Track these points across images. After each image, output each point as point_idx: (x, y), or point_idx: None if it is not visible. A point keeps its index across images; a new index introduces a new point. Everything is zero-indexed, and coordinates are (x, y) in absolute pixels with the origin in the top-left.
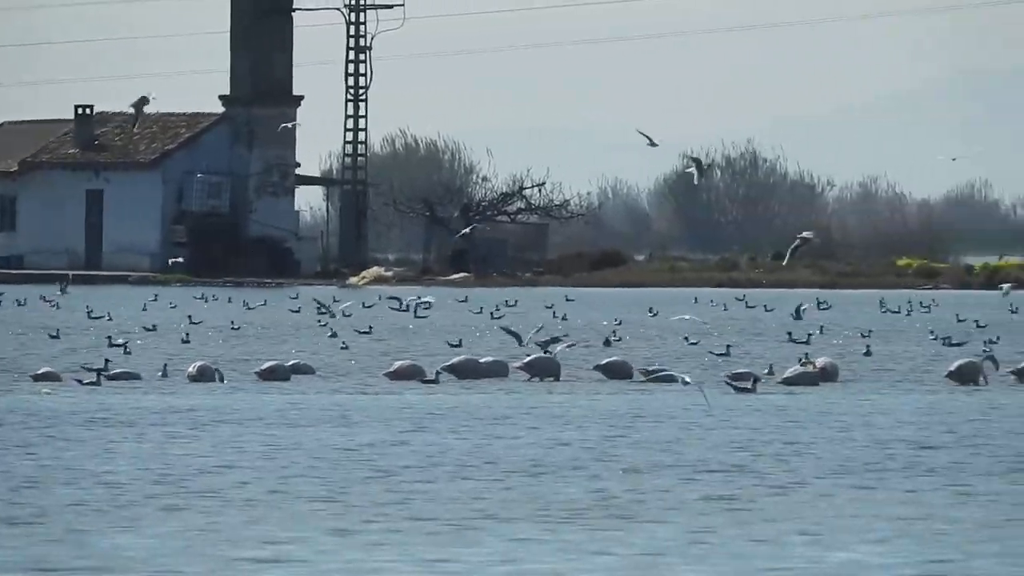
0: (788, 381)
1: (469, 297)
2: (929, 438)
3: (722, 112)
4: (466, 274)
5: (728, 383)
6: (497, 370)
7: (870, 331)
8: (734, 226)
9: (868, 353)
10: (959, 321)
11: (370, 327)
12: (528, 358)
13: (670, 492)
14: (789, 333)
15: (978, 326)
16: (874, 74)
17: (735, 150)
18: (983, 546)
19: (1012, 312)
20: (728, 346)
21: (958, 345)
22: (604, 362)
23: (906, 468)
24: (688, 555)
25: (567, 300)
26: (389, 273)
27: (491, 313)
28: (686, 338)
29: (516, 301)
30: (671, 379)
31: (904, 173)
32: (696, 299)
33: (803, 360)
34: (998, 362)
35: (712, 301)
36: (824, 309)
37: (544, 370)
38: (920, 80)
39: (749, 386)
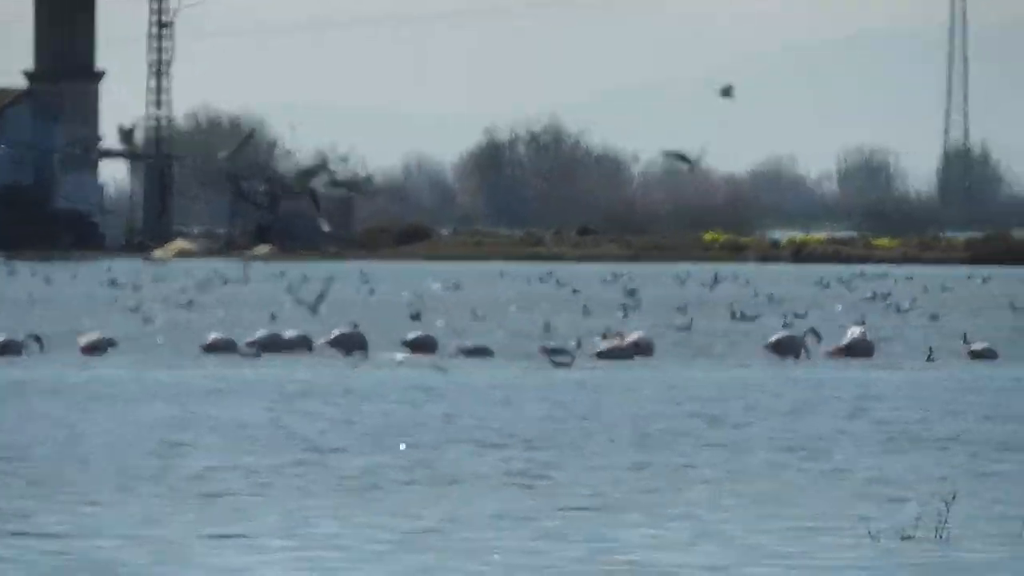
0: (603, 355)
1: (279, 271)
2: (727, 414)
3: (527, 87)
4: (270, 247)
5: (547, 357)
6: (302, 344)
7: (686, 305)
8: (540, 200)
9: (686, 328)
10: (756, 296)
11: (190, 301)
12: (335, 333)
13: (461, 464)
14: (618, 305)
15: (771, 300)
16: (681, 50)
17: (539, 124)
18: (745, 521)
19: (824, 287)
20: (547, 322)
21: (752, 319)
22: (411, 337)
23: (697, 441)
24: (476, 525)
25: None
26: (194, 246)
27: (288, 286)
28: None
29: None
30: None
31: (711, 147)
32: (503, 273)
33: (607, 335)
34: (820, 336)
35: (528, 279)
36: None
37: (351, 345)
38: (728, 56)
39: (567, 360)
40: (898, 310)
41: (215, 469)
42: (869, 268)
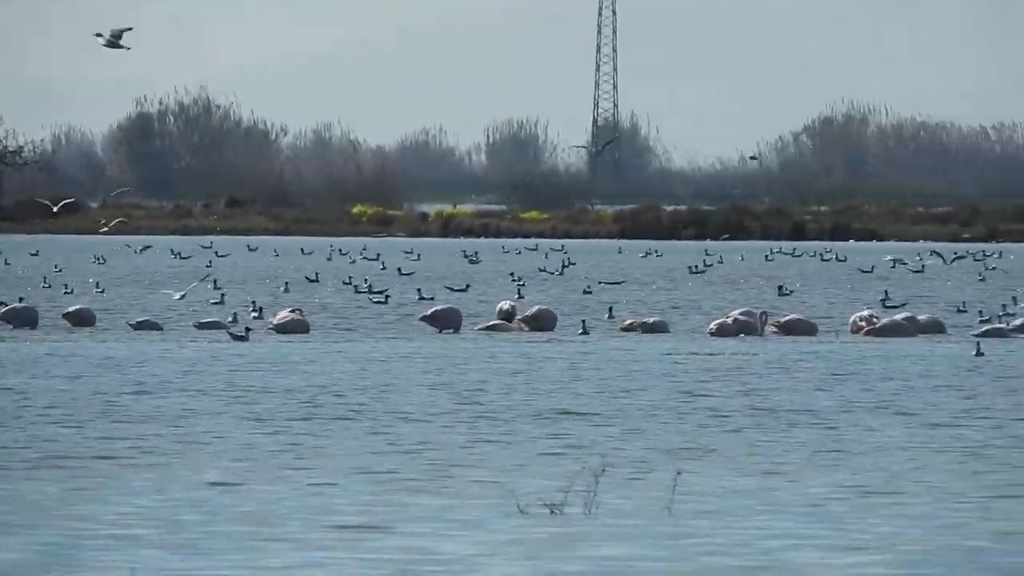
0: (279, 328)
1: None
2: (336, 383)
3: (179, 59)
4: None
5: (227, 332)
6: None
7: (351, 277)
8: (188, 172)
9: (384, 302)
10: (382, 267)
11: None
12: (71, 309)
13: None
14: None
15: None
16: (328, 22)
17: (188, 96)
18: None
19: (472, 263)
20: (223, 294)
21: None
22: (71, 309)
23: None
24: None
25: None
26: None
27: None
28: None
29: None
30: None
31: (359, 120)
32: (149, 246)
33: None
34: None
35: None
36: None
37: (82, 321)
38: (374, 28)
39: (243, 334)
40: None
41: None
42: (519, 241)
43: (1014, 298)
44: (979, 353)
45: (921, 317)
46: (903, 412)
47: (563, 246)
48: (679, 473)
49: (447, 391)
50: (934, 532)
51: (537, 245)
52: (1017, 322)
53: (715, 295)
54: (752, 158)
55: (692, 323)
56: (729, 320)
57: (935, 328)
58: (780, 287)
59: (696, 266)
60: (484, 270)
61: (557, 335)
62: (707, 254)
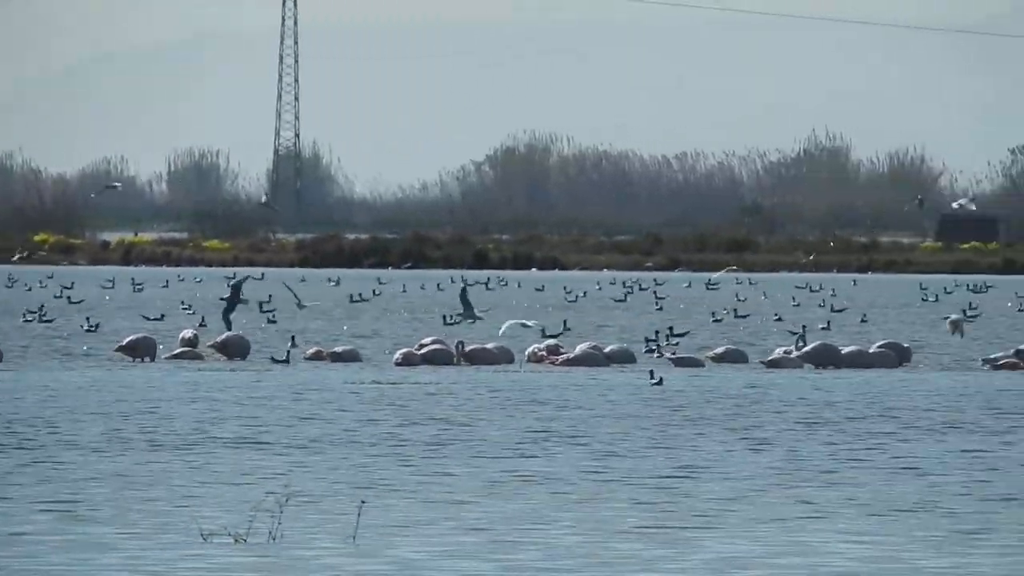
0: None
1: None
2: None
3: None
4: None
5: None
6: None
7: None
8: None
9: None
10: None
11: None
12: None
13: None
14: None
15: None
16: (9, 53)
17: None
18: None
19: (139, 291)
20: None
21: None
22: None
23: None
24: None
25: None
26: None
27: None
28: None
29: None
30: None
31: (40, 149)
32: None
33: None
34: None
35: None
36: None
37: None
38: (54, 58)
39: None
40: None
41: None
42: (205, 270)
43: (671, 328)
44: (657, 382)
45: (610, 347)
46: (580, 439)
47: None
48: (363, 502)
49: (132, 420)
50: (583, 562)
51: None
52: (719, 350)
53: (398, 323)
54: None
55: (379, 351)
56: (418, 350)
57: (624, 358)
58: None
59: (360, 295)
60: (159, 295)
61: (248, 363)
62: (380, 282)
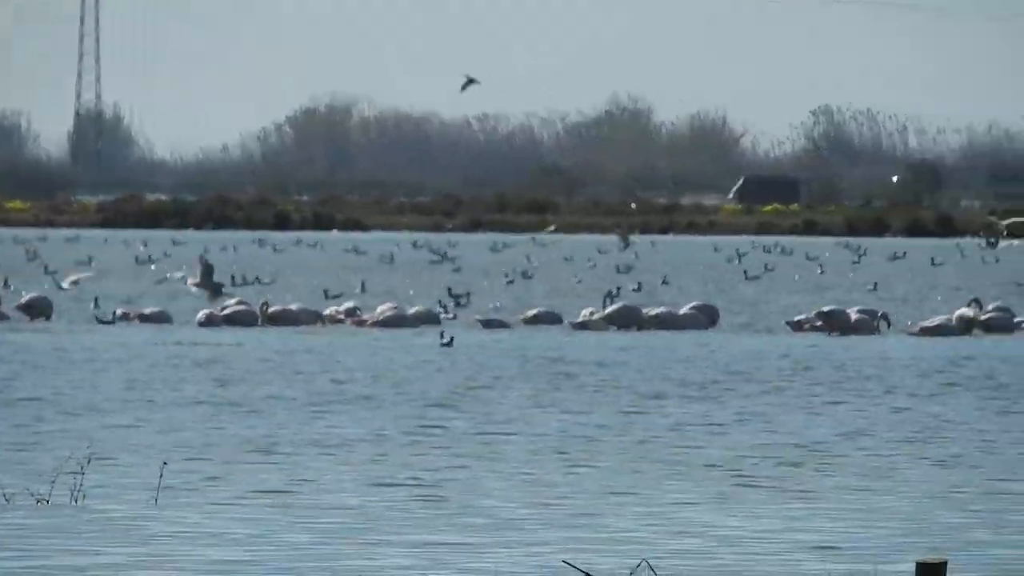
0: None
1: None
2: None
3: None
4: None
5: None
6: None
7: None
8: None
9: None
10: None
11: None
12: None
13: None
14: None
15: None
16: None
17: None
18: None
19: None
20: None
21: None
22: None
23: None
24: None
25: None
26: None
27: None
28: None
29: None
30: None
31: None
32: None
33: None
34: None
35: None
36: None
37: None
38: None
39: None
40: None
41: None
42: (4, 231)
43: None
44: (447, 343)
45: (413, 309)
46: (365, 399)
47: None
48: (165, 464)
49: None
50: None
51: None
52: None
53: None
54: None
55: (185, 313)
56: (220, 311)
57: (429, 319)
58: (257, 277)
59: (150, 256)
60: None
61: (51, 324)
62: (174, 244)
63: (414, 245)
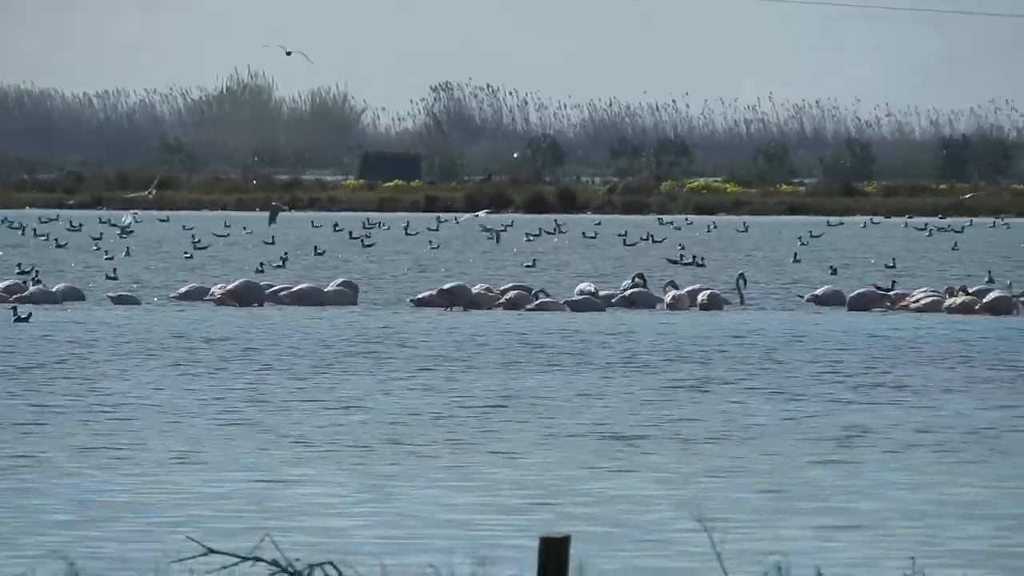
0: None
1: None
2: None
3: None
4: None
5: None
6: None
7: None
8: None
9: None
10: None
11: None
12: None
13: None
14: None
15: None
16: None
17: None
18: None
19: None
20: None
21: None
22: None
23: None
24: None
25: None
26: None
27: None
28: None
29: None
30: None
31: None
32: None
33: None
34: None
35: None
36: None
37: None
38: None
39: None
40: None
41: None
42: None
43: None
44: (24, 318)
45: (58, 286)
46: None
47: None
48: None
49: None
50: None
51: None
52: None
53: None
54: None
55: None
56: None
57: (76, 296)
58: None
59: None
60: None
61: None
62: None
63: (43, 221)
